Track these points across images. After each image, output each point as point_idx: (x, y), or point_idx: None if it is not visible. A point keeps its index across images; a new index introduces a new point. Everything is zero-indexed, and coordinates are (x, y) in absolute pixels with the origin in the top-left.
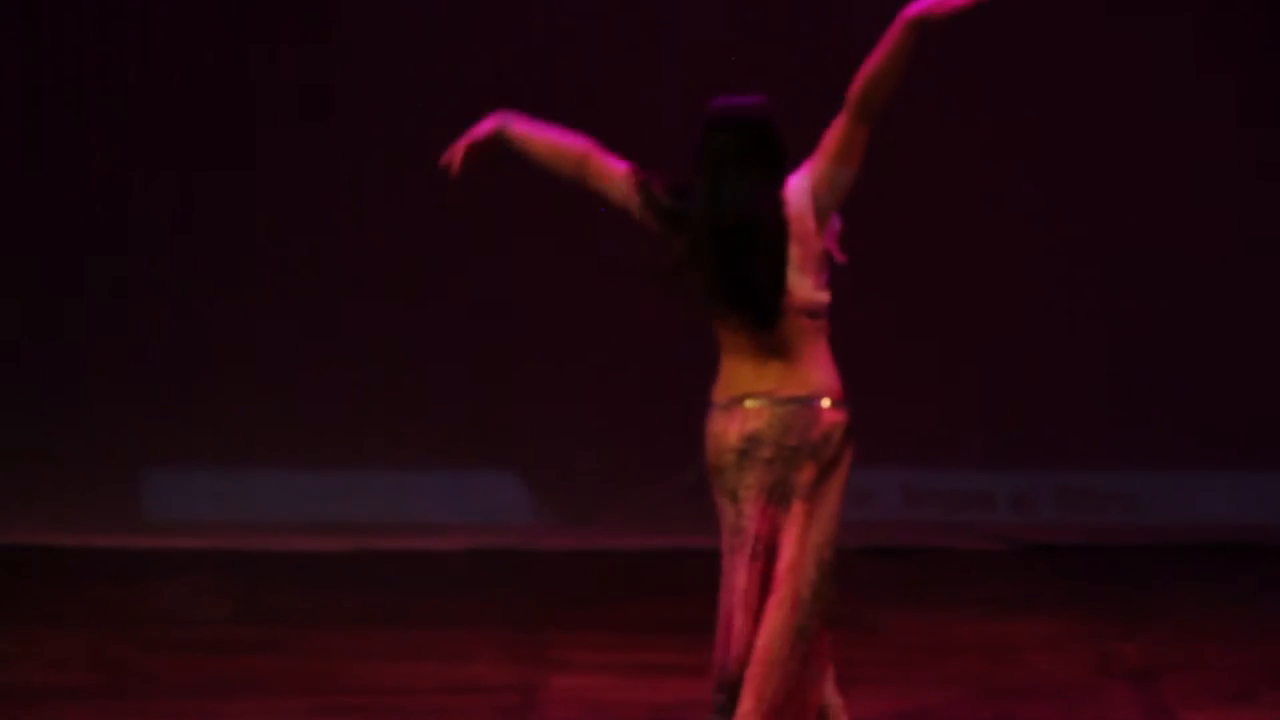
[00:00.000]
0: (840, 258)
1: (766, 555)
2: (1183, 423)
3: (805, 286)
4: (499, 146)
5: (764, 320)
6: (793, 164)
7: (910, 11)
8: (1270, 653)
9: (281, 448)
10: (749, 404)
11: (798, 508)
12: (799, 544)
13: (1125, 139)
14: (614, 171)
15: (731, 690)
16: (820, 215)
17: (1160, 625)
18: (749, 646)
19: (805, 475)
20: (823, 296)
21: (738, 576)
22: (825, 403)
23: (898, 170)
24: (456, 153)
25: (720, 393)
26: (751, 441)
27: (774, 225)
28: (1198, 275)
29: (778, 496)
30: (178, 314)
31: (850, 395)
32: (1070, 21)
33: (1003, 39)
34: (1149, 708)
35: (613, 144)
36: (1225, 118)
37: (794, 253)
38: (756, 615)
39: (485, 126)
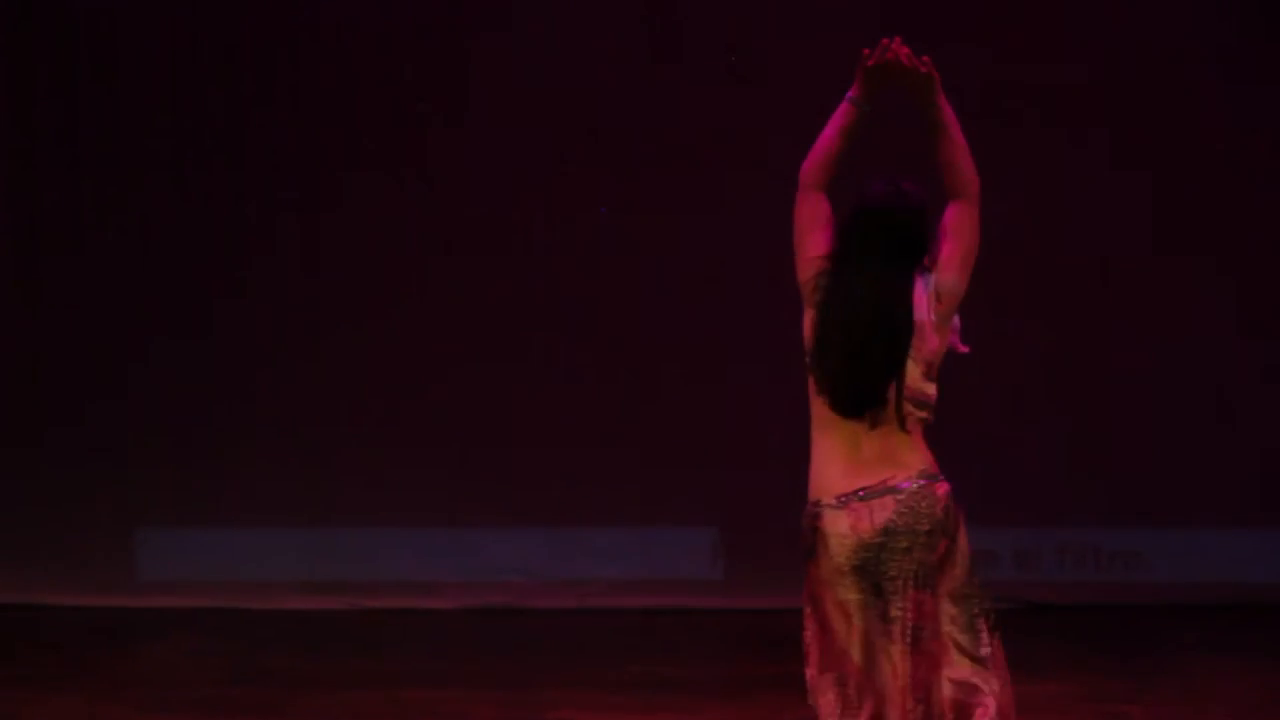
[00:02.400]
0: (963, 349)
1: (924, 640)
2: (1188, 480)
3: (916, 375)
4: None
5: (869, 407)
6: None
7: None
8: (1276, 713)
9: (276, 506)
10: (867, 498)
11: (940, 578)
12: (950, 601)
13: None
14: (821, 237)
15: None
16: (941, 316)
17: (1165, 685)
18: None
19: (939, 552)
20: (930, 389)
21: (897, 665)
22: (933, 479)
23: None
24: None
25: (825, 491)
26: (888, 534)
27: (903, 323)
28: (1202, 329)
29: (920, 580)
30: (172, 373)
31: None
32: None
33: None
34: None
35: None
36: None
37: (913, 346)
38: (923, 699)
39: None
